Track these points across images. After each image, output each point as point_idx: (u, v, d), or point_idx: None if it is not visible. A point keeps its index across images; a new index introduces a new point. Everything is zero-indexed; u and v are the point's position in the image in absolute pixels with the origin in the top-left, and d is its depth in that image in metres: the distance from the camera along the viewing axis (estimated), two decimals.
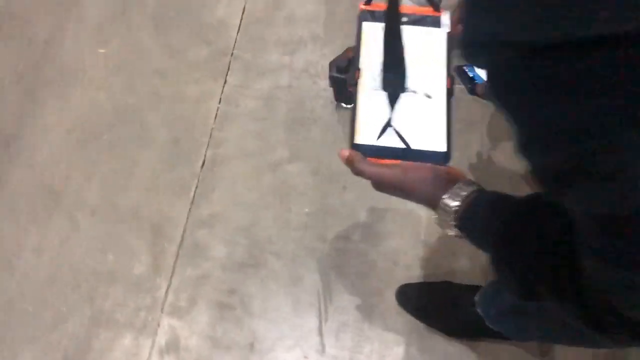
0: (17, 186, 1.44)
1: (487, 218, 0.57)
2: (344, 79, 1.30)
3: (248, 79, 1.52)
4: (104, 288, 1.31)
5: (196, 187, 1.40)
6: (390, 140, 0.66)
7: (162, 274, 1.31)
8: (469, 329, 1.15)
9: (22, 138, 1.50)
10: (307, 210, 1.34)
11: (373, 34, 0.71)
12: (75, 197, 1.41)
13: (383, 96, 0.68)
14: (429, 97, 0.68)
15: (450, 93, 0.68)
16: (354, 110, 0.68)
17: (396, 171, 0.63)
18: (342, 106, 1.44)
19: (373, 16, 0.72)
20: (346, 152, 0.65)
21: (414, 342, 1.19)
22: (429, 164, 0.64)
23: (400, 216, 1.32)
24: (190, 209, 1.37)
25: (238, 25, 1.60)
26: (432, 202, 0.61)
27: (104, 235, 1.37)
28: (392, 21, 0.67)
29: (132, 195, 1.40)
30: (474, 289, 1.14)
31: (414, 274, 1.26)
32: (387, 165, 0.64)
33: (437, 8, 0.72)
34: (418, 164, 0.64)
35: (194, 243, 1.33)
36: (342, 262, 1.28)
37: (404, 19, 0.70)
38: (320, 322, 1.23)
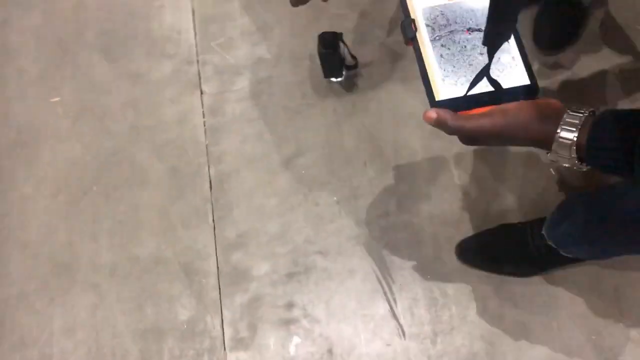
0: (20, 271, 1.30)
1: (618, 139, 0.51)
2: (334, 53, 1.22)
3: (225, 83, 1.41)
4: (155, 346, 1.21)
5: (212, 211, 1.30)
6: (467, 89, 0.60)
7: (210, 311, 1.22)
8: (542, 263, 1.12)
9: (2, 219, 1.35)
10: (335, 198, 1.27)
11: None
12: (87, 263, 1.29)
13: (449, 45, 0.61)
14: None
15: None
16: (422, 69, 0.61)
17: (496, 118, 0.56)
18: (332, 81, 1.36)
19: None
20: (433, 114, 0.58)
21: (490, 293, 1.16)
22: (526, 102, 0.57)
23: (429, 171, 1.27)
24: (215, 236, 1.28)
25: (193, 28, 1.48)
26: (545, 140, 0.55)
27: (133, 292, 1.26)
28: None
29: (148, 242, 1.29)
30: (534, 223, 1.11)
31: (464, 228, 1.21)
32: (483, 115, 0.57)
33: None
34: (515, 104, 0.57)
35: (232, 269, 1.24)
36: (390, 239, 1.22)
37: None
38: (390, 305, 1.18)
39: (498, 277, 1.16)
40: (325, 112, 1.34)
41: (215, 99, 1.40)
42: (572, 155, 0.54)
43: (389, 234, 1.23)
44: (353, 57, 1.31)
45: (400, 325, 1.16)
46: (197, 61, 1.44)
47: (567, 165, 0.56)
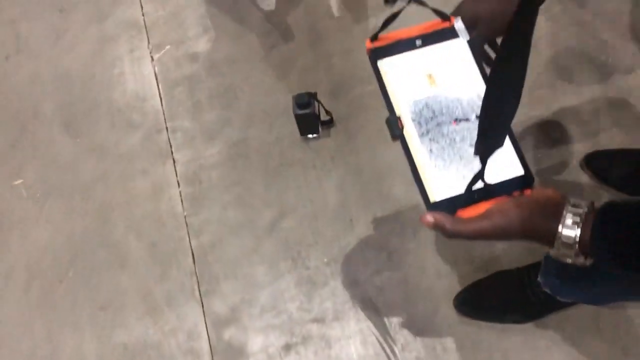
0: None
1: (623, 236, 0.50)
2: (309, 113, 1.19)
3: (198, 149, 1.36)
4: None
5: (199, 286, 1.24)
6: (463, 185, 0.57)
7: None
8: (542, 309, 1.11)
9: None
10: (325, 260, 1.24)
11: (394, 71, 0.61)
12: (71, 356, 1.21)
13: (437, 138, 0.59)
14: None
15: None
16: (413, 167, 0.58)
17: (495, 220, 0.54)
18: (309, 138, 1.33)
19: (385, 52, 0.62)
20: (430, 218, 0.55)
21: (491, 344, 1.14)
22: (524, 198, 0.55)
23: (416, 221, 1.24)
24: (204, 312, 1.22)
25: (158, 93, 1.43)
26: (547, 238, 0.53)
27: None
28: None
29: (134, 326, 1.22)
30: (530, 268, 1.10)
31: (459, 278, 1.19)
32: (482, 217, 0.54)
33: (445, 17, 0.64)
34: (513, 202, 0.55)
35: (226, 346, 1.19)
36: (386, 298, 1.19)
37: (418, 42, 0.62)
38: None
39: (499, 326, 1.15)
40: (305, 170, 1.31)
41: (189, 167, 1.35)
42: (575, 253, 0.52)
43: (384, 293, 1.20)
44: (328, 112, 1.29)
45: None
46: (166, 128, 1.39)
47: (570, 261, 0.54)
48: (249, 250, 1.26)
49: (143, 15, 1.53)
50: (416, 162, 0.57)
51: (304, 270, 1.23)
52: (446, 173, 0.57)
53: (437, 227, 0.55)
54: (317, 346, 1.18)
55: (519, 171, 0.58)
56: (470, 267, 1.20)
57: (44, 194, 1.36)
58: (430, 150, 0.58)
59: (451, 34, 0.63)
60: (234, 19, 1.48)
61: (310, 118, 1.20)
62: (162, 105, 1.41)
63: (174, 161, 1.36)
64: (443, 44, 0.62)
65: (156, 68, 1.45)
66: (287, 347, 1.18)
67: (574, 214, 0.52)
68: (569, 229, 0.51)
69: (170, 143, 1.37)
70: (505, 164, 0.58)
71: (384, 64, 0.61)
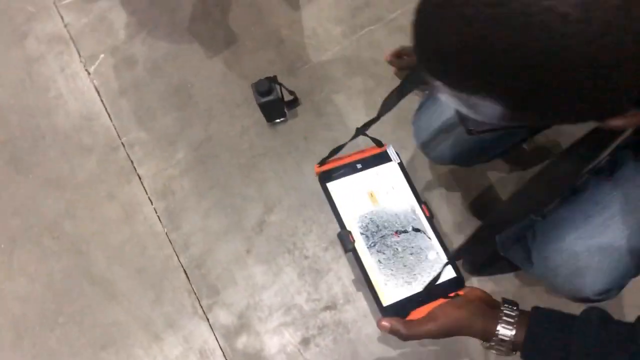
0: None
1: (554, 342, 0.59)
2: (273, 100, 1.11)
3: (161, 158, 1.27)
4: None
5: (199, 302, 1.18)
6: (409, 289, 0.67)
7: None
8: None
9: None
10: (323, 245, 1.19)
11: (341, 192, 0.73)
12: None
13: (383, 249, 0.69)
14: (418, 230, 0.70)
15: (431, 218, 0.71)
16: (366, 276, 0.67)
17: (440, 321, 0.63)
18: (277, 122, 1.25)
19: (332, 175, 0.74)
20: (387, 323, 0.64)
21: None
22: (461, 301, 0.65)
23: None
24: (211, 327, 1.17)
25: (104, 108, 1.31)
26: (486, 335, 0.62)
27: None
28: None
29: (142, 359, 1.16)
30: None
31: (464, 236, 1.17)
32: (429, 319, 0.63)
33: (380, 144, 0.77)
34: (453, 304, 0.64)
35: (242, 356, 1.14)
36: None
37: (358, 166, 0.74)
38: None
39: None
40: (281, 157, 1.24)
41: (157, 180, 1.26)
42: (510, 348, 0.61)
43: None
44: (290, 92, 1.21)
45: (436, 353, 1.11)
46: (122, 144, 1.29)
47: (504, 355, 0.63)
48: (242, 254, 1.20)
49: (66, 27, 1.39)
50: (368, 271, 0.67)
51: (304, 260, 1.18)
52: (394, 280, 0.66)
53: (392, 331, 0.63)
54: (335, 333, 1.14)
55: (452, 274, 0.68)
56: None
57: (9, 243, 1.25)
58: (379, 261, 0.68)
59: (385, 157, 0.76)
60: (165, 11, 1.36)
61: (275, 104, 1.12)
62: (111, 120, 1.30)
63: (139, 177, 1.26)
64: (379, 167, 0.75)
65: (95, 81, 1.33)
66: (305, 342, 1.14)
67: (508, 316, 0.61)
68: (505, 329, 0.61)
69: (130, 159, 1.28)
70: (439, 269, 0.66)
71: (332, 186, 0.73)
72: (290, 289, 1.17)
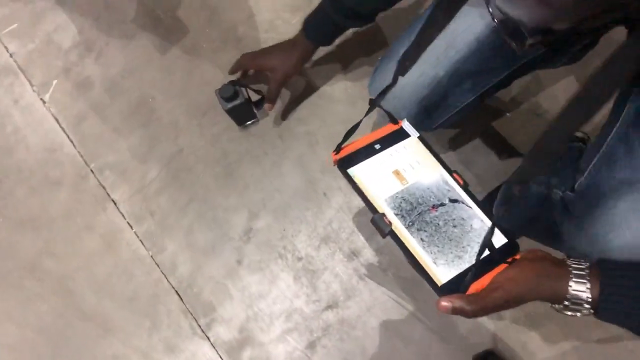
0: None
1: (633, 295, 0.53)
2: (240, 104, 1.06)
3: (134, 180, 1.21)
4: None
5: (197, 322, 1.14)
6: (461, 263, 0.61)
7: None
8: None
9: None
10: (316, 244, 1.15)
11: (365, 175, 0.67)
12: None
13: (423, 227, 0.63)
14: (455, 201, 0.66)
15: (466, 186, 0.67)
16: (412, 258, 0.61)
17: (508, 288, 0.56)
18: (248, 125, 1.20)
19: (351, 160, 0.68)
20: (447, 303, 0.56)
21: None
22: (525, 263, 0.59)
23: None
24: (213, 346, 1.13)
25: (66, 137, 1.25)
26: (558, 295, 0.56)
27: None
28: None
29: None
30: None
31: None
32: (493, 289, 0.57)
33: (394, 120, 0.72)
34: (517, 268, 0.58)
35: None
36: (388, 255, 1.12)
37: (377, 147, 0.69)
38: (424, 322, 1.10)
39: None
40: (257, 160, 1.19)
41: (134, 204, 1.20)
42: (585, 308, 0.55)
43: (385, 251, 1.13)
44: (257, 91, 1.16)
45: (445, 338, 1.09)
46: (91, 171, 1.23)
47: (578, 315, 0.57)
48: (233, 265, 1.15)
49: (12, 56, 1.32)
50: (413, 252, 0.60)
51: (297, 263, 1.14)
52: (443, 256, 0.61)
53: (456, 311, 0.55)
54: (340, 332, 1.11)
55: (503, 240, 0.63)
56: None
57: None
58: (422, 240, 0.61)
59: (402, 134, 0.71)
60: (114, 24, 1.29)
61: (242, 107, 1.07)
62: (75, 148, 1.24)
63: (114, 203, 1.21)
64: (399, 144, 0.70)
65: (52, 109, 1.27)
66: (312, 345, 1.11)
67: (579, 270, 0.55)
68: (579, 284, 0.55)
69: (102, 185, 1.22)
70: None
71: (354, 171, 0.67)
72: (288, 294, 1.13)
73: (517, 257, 0.61)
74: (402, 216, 0.63)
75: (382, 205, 0.64)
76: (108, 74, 1.26)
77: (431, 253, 0.60)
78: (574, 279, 0.54)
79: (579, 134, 1.08)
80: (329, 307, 1.12)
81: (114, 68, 1.26)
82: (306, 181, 1.17)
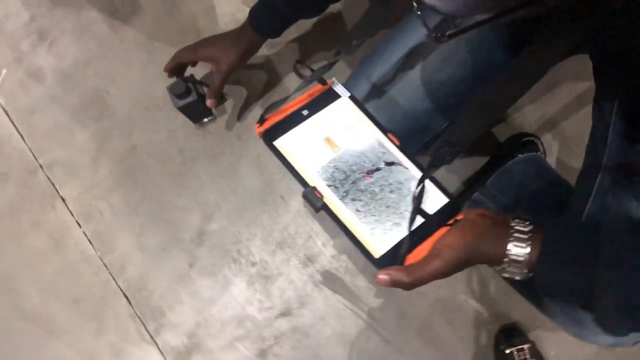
0: None
1: (573, 252, 0.51)
2: (193, 101, 1.01)
3: (85, 177, 1.16)
4: None
5: (145, 326, 1.10)
6: (399, 231, 0.57)
7: None
8: None
9: None
10: (271, 249, 1.11)
11: (293, 146, 0.61)
12: None
13: (358, 196, 0.59)
14: (391, 164, 0.61)
15: (403, 146, 0.62)
16: (347, 231, 0.56)
17: (446, 255, 0.52)
18: (205, 122, 1.15)
19: (276, 131, 0.62)
20: (384, 276, 0.53)
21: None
22: (465, 225, 0.55)
23: None
24: (161, 352, 1.09)
25: (15, 129, 1.19)
26: (498, 257, 0.53)
27: None
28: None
29: None
30: None
31: None
32: (432, 257, 0.53)
33: (323, 81, 0.65)
34: (456, 231, 0.54)
35: None
36: (344, 262, 1.09)
37: (304, 112, 0.63)
38: (378, 332, 1.06)
39: None
40: (214, 159, 1.15)
41: (83, 201, 1.15)
42: (524, 271, 0.53)
43: (342, 258, 1.09)
44: None
45: (400, 349, 1.05)
46: (40, 166, 1.17)
47: (518, 278, 0.55)
48: (184, 269, 1.11)
49: None
50: (347, 225, 0.56)
51: (251, 268, 1.10)
52: (379, 225, 0.57)
53: (394, 283, 0.53)
54: (293, 340, 1.07)
55: (444, 200, 0.59)
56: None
57: None
58: (357, 210, 0.58)
59: (332, 95, 0.64)
60: (69, 13, 1.23)
61: (196, 105, 1.02)
62: (24, 141, 1.19)
63: (63, 200, 1.16)
64: (329, 107, 0.64)
65: (0, 100, 1.21)
66: (263, 353, 1.07)
67: (520, 232, 0.52)
68: (518, 247, 0.52)
69: (51, 182, 1.17)
70: (428, 198, 0.59)
71: (280, 143, 0.61)
72: (240, 299, 1.09)
73: (459, 217, 0.57)
74: (336, 187, 0.58)
75: (314, 178, 0.59)
76: (61, 65, 1.21)
77: (367, 224, 0.57)
78: (514, 242, 0.52)
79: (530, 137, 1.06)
80: (282, 314, 1.08)
81: (67, 59, 1.21)
82: (264, 183, 1.13)
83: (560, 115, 1.12)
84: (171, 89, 0.98)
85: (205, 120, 1.14)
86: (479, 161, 1.11)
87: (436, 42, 0.44)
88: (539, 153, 1.02)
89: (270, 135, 0.61)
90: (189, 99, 1.00)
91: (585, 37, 0.47)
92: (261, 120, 0.62)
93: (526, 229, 0.52)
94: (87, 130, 1.18)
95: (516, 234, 0.52)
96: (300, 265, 1.10)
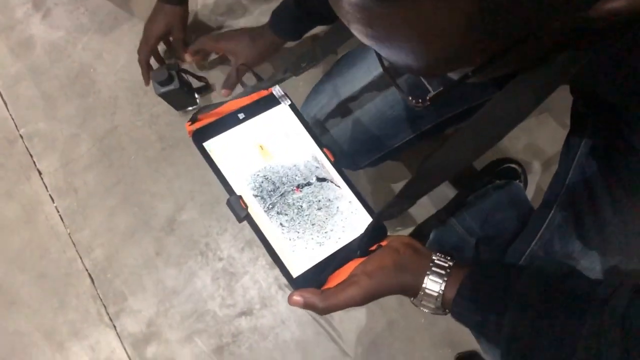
0: None
1: (488, 297, 0.49)
2: (175, 89, 0.99)
3: (63, 152, 1.15)
4: None
5: (105, 309, 1.09)
6: (322, 251, 0.55)
7: None
8: None
9: None
10: (240, 246, 1.09)
11: (223, 150, 0.57)
12: None
13: (284, 210, 0.56)
14: (323, 180, 0.58)
15: (337, 162, 0.59)
16: (267, 245, 0.54)
17: (363, 283, 0.50)
18: (189, 110, 1.13)
19: (209, 132, 0.58)
20: (298, 298, 0.51)
21: None
22: (385, 253, 0.53)
23: None
24: (118, 336, 1.08)
25: (2, 100, 1.18)
26: (414, 290, 0.52)
27: None
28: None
29: None
30: None
31: None
32: (348, 284, 0.51)
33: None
34: (376, 260, 0.52)
35: None
36: None
37: (240, 116, 0.59)
38: (338, 344, 1.05)
39: None
40: (192, 148, 1.12)
41: (59, 176, 1.14)
42: (439, 306, 0.51)
43: None
44: (200, 78, 1.09)
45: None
46: (20, 136, 1.16)
47: (427, 311, 0.53)
48: (151, 256, 1.10)
49: None
50: (269, 239, 0.54)
51: (218, 263, 1.09)
52: (302, 243, 0.55)
53: (307, 306, 0.51)
54: (250, 341, 1.06)
55: (370, 221, 0.56)
56: None
57: None
58: (281, 224, 0.55)
59: (272, 101, 0.61)
60: None
61: (177, 93, 1.00)
62: (7, 109, 1.18)
63: (39, 173, 1.15)
64: (266, 113, 0.60)
65: None
66: (219, 350, 1.06)
67: (439, 267, 0.51)
68: (433, 282, 0.50)
69: (29, 153, 1.16)
70: (354, 219, 0.56)
71: (210, 145, 0.57)
72: (203, 293, 1.08)
73: (384, 243, 0.55)
74: (262, 198, 0.56)
75: (241, 186, 0.56)
76: (52, 36, 1.19)
77: (289, 240, 0.54)
78: (430, 276, 0.50)
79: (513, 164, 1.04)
80: (243, 313, 1.07)
81: (59, 31, 1.19)
82: None
83: (548, 144, 1.09)
84: (154, 76, 0.97)
85: (190, 108, 1.13)
86: (459, 179, 1.09)
87: (417, 108, 0.42)
88: (517, 181, 0.99)
89: (200, 136, 0.58)
90: (170, 87, 0.99)
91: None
92: (193, 119, 0.58)
93: (445, 264, 0.51)
94: (71, 105, 1.17)
95: (435, 268, 0.51)
96: (267, 266, 1.08)
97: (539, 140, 1.10)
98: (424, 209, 1.08)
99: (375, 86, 0.75)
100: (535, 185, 1.07)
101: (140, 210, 1.12)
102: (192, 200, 1.11)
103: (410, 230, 1.06)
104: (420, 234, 1.03)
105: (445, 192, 1.09)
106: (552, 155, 1.08)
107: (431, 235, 0.94)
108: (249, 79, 1.07)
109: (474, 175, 1.06)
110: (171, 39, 1.04)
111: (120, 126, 1.15)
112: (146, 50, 1.01)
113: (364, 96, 0.76)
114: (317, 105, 0.81)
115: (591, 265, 0.59)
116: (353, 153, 0.81)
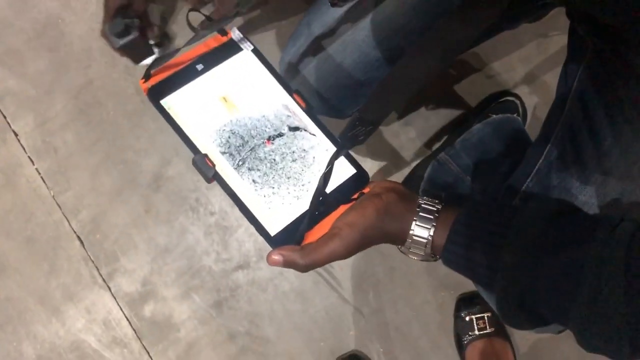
0: None
1: (481, 239, 0.45)
2: (132, 40, 0.91)
3: (38, 111, 1.09)
4: None
5: (98, 270, 1.06)
6: (300, 205, 0.51)
7: None
8: None
9: None
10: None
11: (183, 107, 0.53)
12: None
13: (256, 165, 0.52)
14: (296, 129, 0.54)
15: (310, 108, 0.55)
16: (240, 205, 0.50)
17: (345, 235, 0.47)
18: (148, 62, 1.06)
19: (165, 88, 0.53)
20: (277, 257, 0.47)
21: None
22: (368, 202, 0.49)
23: None
24: (114, 296, 1.06)
25: None
26: (399, 238, 0.49)
27: None
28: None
29: (43, 336, 1.05)
30: None
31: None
32: (330, 236, 0.47)
33: (223, 32, 0.57)
34: (358, 209, 0.49)
35: (150, 324, 1.04)
36: None
37: (199, 67, 0.54)
38: (338, 291, 1.03)
39: None
40: None
41: (36, 137, 1.09)
42: (427, 252, 0.49)
43: None
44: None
45: (358, 309, 1.03)
46: None
47: (417, 259, 0.50)
48: (139, 214, 1.06)
49: None
50: (242, 198, 0.50)
51: (210, 217, 1.06)
52: (278, 199, 0.51)
53: (287, 264, 0.48)
54: (249, 294, 1.04)
55: (351, 170, 0.54)
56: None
57: None
58: (253, 181, 0.52)
59: (232, 47, 0.56)
60: None
61: (136, 43, 0.92)
62: None
63: (15, 135, 1.09)
64: (228, 62, 0.56)
65: None
66: (218, 305, 1.04)
67: (427, 211, 0.48)
68: (421, 228, 0.48)
69: (2, 114, 1.09)
70: (334, 167, 0.51)
71: (169, 102, 0.53)
72: (197, 249, 1.05)
73: (366, 190, 0.52)
74: (231, 154, 0.52)
75: (206, 143, 0.52)
76: None
77: (264, 196, 0.51)
78: (417, 222, 0.47)
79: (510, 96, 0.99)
80: (240, 267, 1.05)
81: None
82: None
83: (548, 74, 1.04)
84: (110, 28, 0.89)
85: (148, 60, 1.05)
86: (455, 116, 1.04)
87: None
88: (515, 115, 0.94)
89: (157, 93, 0.52)
90: (129, 37, 0.90)
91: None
92: (147, 76, 0.53)
93: (434, 208, 0.48)
94: (42, 60, 1.09)
95: (422, 213, 0.47)
96: None
97: (538, 70, 1.04)
98: (420, 152, 1.04)
99: (350, 18, 0.69)
100: (535, 118, 1.03)
101: (124, 167, 1.07)
102: (177, 155, 1.07)
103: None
104: (414, 175, 0.99)
105: (442, 136, 1.04)
106: (552, 85, 1.03)
107: (425, 175, 0.90)
108: None
109: (471, 111, 1.02)
110: None
111: (95, 80, 1.08)
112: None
113: (340, 29, 0.70)
114: (293, 47, 0.75)
115: (590, 200, 0.56)
116: (339, 100, 0.75)
